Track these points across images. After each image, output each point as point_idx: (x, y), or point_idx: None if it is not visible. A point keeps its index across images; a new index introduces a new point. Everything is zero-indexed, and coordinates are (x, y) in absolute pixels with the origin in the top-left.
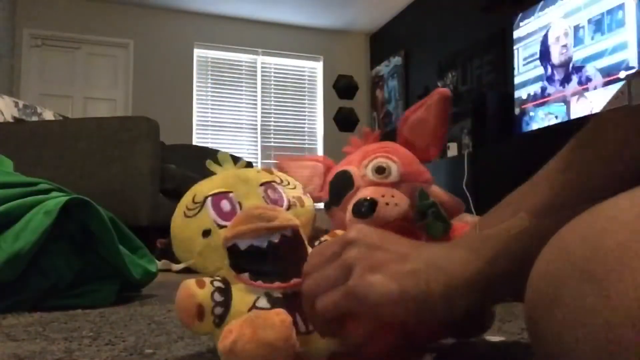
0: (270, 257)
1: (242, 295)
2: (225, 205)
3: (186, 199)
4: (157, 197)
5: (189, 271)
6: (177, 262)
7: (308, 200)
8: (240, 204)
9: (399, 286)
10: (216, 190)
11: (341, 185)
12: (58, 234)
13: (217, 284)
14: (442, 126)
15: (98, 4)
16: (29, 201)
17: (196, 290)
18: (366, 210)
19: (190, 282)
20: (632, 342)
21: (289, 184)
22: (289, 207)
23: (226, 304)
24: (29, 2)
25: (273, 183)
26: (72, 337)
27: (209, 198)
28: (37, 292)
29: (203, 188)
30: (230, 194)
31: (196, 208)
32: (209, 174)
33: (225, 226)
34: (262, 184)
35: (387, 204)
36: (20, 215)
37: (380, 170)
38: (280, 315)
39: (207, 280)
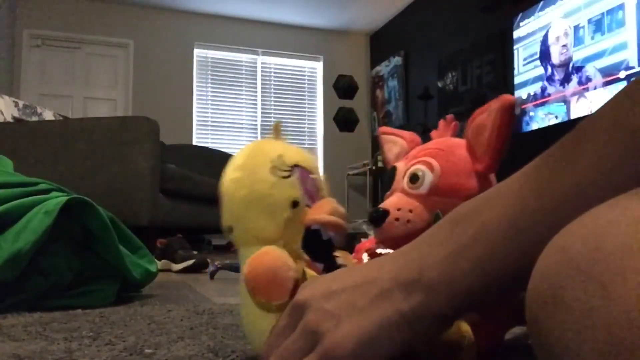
0: (331, 254)
1: None
2: (310, 184)
3: (268, 153)
4: (157, 197)
5: (189, 271)
6: (177, 262)
7: None
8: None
9: (374, 320)
10: (304, 164)
11: (387, 183)
12: (58, 234)
13: (300, 263)
14: (498, 137)
15: (98, 4)
16: (29, 201)
17: (293, 264)
18: (375, 221)
19: (282, 252)
20: (635, 343)
21: None
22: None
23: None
24: (29, 2)
25: None
26: (72, 337)
27: (299, 168)
28: (37, 292)
29: (292, 153)
30: (313, 176)
31: (287, 172)
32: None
33: (307, 205)
34: None
35: (396, 219)
36: (20, 215)
37: (413, 178)
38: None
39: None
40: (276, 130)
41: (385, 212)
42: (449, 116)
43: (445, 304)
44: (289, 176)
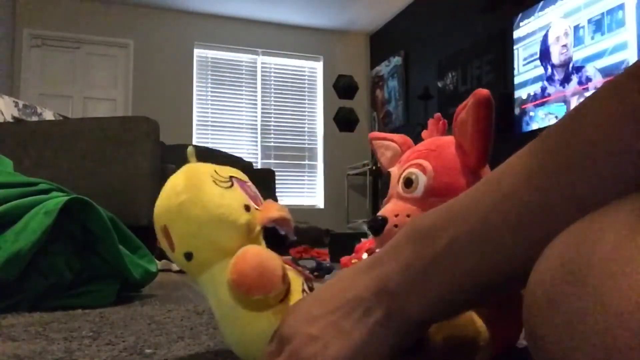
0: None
1: (292, 275)
2: (249, 190)
3: (205, 171)
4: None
5: None
6: None
7: None
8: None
9: (360, 338)
10: (237, 175)
11: (385, 189)
12: (58, 234)
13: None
14: (479, 131)
15: (98, 4)
16: (29, 201)
17: (273, 253)
18: (375, 230)
19: (258, 246)
20: (628, 345)
21: None
22: None
23: (288, 281)
24: (29, 2)
25: None
26: (72, 337)
27: (234, 179)
28: (37, 292)
29: (222, 168)
30: (248, 184)
31: (227, 182)
32: None
33: (256, 208)
34: None
35: (395, 225)
36: (20, 215)
37: (407, 183)
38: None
39: None
40: (191, 156)
41: (384, 220)
42: (437, 115)
43: (421, 313)
44: (231, 185)
